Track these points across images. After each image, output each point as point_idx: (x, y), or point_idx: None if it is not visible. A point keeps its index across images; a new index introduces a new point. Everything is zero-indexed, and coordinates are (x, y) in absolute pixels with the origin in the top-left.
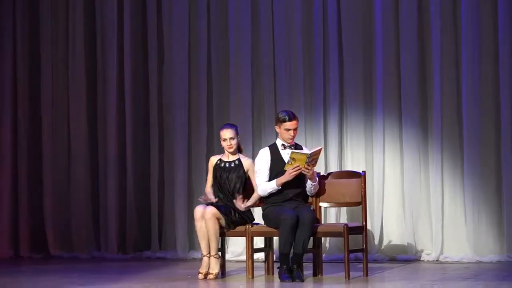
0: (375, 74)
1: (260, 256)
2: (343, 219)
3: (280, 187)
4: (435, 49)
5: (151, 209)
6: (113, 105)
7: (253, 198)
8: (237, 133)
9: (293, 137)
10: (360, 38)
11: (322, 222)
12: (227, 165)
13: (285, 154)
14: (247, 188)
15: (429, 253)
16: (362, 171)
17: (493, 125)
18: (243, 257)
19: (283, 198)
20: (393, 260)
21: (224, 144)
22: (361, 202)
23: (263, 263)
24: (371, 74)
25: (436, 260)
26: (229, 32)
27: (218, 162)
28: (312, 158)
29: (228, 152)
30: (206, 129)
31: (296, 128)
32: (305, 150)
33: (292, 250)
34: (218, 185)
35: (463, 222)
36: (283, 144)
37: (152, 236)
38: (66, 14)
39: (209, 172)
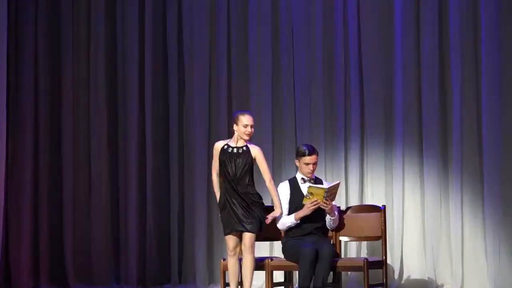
0: (395, 108)
1: None
2: (363, 253)
3: (299, 221)
4: (455, 81)
5: (171, 241)
6: (134, 136)
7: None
8: None
9: (313, 171)
10: (380, 72)
11: (342, 256)
12: (234, 150)
13: (305, 188)
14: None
15: None
16: (382, 205)
17: None
18: None
19: (303, 232)
20: None
21: (243, 129)
22: (381, 236)
23: None
24: (392, 108)
25: None
26: (249, 54)
27: (225, 147)
28: (331, 193)
29: (244, 138)
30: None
31: (316, 162)
32: (325, 185)
33: (311, 285)
34: (223, 173)
35: (483, 257)
36: (302, 178)
37: (172, 269)
38: (87, 20)
39: (214, 158)
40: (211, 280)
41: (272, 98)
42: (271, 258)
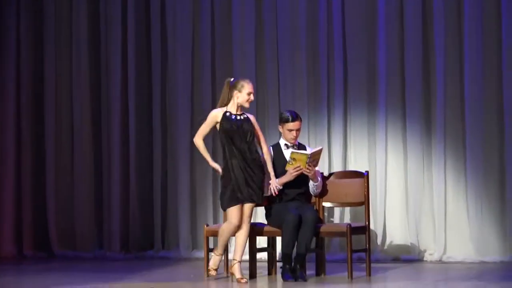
0: (379, 73)
1: (263, 256)
2: (347, 219)
3: (282, 187)
4: (439, 48)
5: (153, 208)
6: (116, 105)
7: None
8: None
9: (296, 137)
10: (363, 37)
11: (325, 222)
12: (238, 117)
13: (288, 154)
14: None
15: (432, 253)
16: (365, 171)
17: (496, 124)
18: (246, 257)
19: (286, 198)
20: (396, 260)
21: (247, 97)
22: (364, 202)
23: (266, 263)
24: (375, 73)
25: (439, 260)
26: (232, 35)
27: (228, 114)
28: (314, 159)
29: (246, 106)
30: (211, 132)
31: (299, 128)
32: (307, 150)
33: (295, 250)
34: (228, 141)
35: (466, 222)
36: (286, 144)
37: (155, 235)
38: (69, 17)
39: (207, 125)
40: (194, 245)
41: (255, 65)
42: (255, 224)
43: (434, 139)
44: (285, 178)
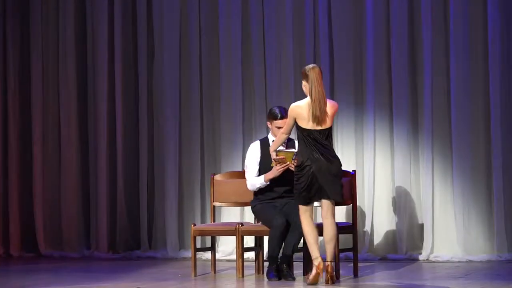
0: (366, 73)
1: (250, 255)
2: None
3: (268, 183)
4: (426, 48)
5: (140, 208)
6: (103, 105)
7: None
8: None
9: None
10: (350, 37)
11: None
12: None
13: (291, 150)
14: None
15: (419, 253)
16: (353, 170)
17: (483, 124)
18: (233, 256)
19: (273, 195)
20: (383, 259)
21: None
22: (352, 201)
23: (254, 262)
24: (362, 73)
25: (427, 260)
26: (219, 34)
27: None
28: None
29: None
30: (198, 123)
31: None
32: (296, 148)
33: (281, 252)
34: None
35: (453, 221)
36: (274, 140)
37: (142, 235)
38: (56, 17)
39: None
40: (181, 245)
41: (241, 66)
42: (242, 223)
43: (421, 139)
44: (271, 174)
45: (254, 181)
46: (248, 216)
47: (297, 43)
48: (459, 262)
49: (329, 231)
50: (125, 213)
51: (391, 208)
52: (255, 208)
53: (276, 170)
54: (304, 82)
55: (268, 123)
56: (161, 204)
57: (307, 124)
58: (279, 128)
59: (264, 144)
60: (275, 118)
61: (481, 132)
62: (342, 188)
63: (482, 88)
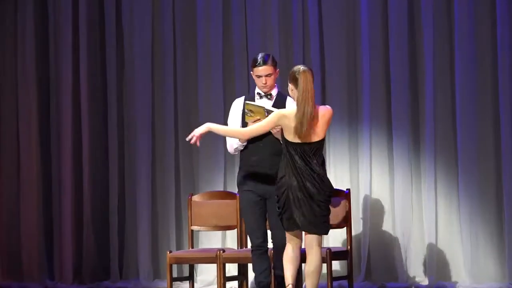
0: (362, 83)
1: (233, 285)
2: (326, 243)
3: (245, 143)
4: (428, 56)
5: (110, 233)
6: (68, 119)
7: None
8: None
9: (267, 85)
10: (344, 43)
11: (303, 247)
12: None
13: (261, 104)
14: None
15: (421, 280)
16: (347, 189)
17: (491, 138)
18: (214, 287)
19: (257, 162)
20: None
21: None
22: (346, 224)
23: None
24: (357, 83)
25: None
26: (197, 38)
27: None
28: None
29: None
30: (173, 137)
31: (270, 74)
32: (268, 105)
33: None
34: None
35: (459, 245)
36: (258, 93)
37: (112, 263)
38: (15, 13)
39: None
40: (156, 275)
41: (223, 72)
42: (223, 250)
43: (423, 155)
44: None
45: (232, 140)
46: (230, 241)
47: (283, 46)
48: None
49: (312, 262)
50: (92, 238)
51: (390, 231)
52: (240, 198)
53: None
54: (291, 86)
55: (252, 73)
56: (133, 228)
57: (294, 137)
58: (259, 77)
59: (249, 99)
60: (254, 64)
61: (490, 147)
62: (327, 216)
63: (491, 98)
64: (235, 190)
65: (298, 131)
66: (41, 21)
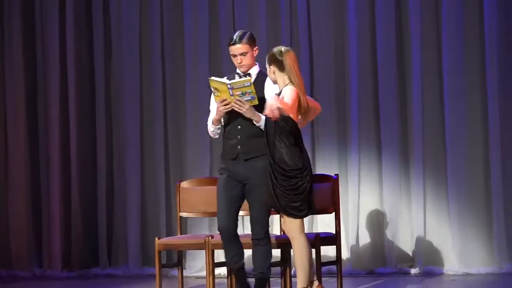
0: (350, 88)
1: (222, 271)
2: (315, 229)
3: (218, 125)
4: (415, 60)
5: (98, 219)
6: (55, 109)
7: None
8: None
9: (242, 64)
10: (331, 46)
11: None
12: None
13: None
14: None
15: (410, 265)
16: (335, 175)
17: (480, 128)
18: (203, 273)
19: (232, 147)
20: (370, 273)
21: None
22: (334, 209)
23: (226, 279)
24: (345, 86)
25: (419, 273)
26: (184, 29)
27: None
28: (240, 90)
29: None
30: (161, 125)
31: (245, 53)
32: (236, 79)
33: (240, 264)
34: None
35: (448, 230)
36: (237, 73)
37: (100, 250)
38: (1, 14)
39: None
40: (145, 261)
41: (209, 66)
42: (212, 236)
43: (410, 137)
44: (215, 115)
45: (209, 124)
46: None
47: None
48: (454, 275)
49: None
50: (81, 225)
51: (379, 216)
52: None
53: (217, 109)
54: (272, 68)
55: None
56: (122, 215)
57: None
58: (234, 56)
59: (229, 79)
60: (229, 43)
61: (478, 128)
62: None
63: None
64: None
65: (305, 113)
66: (29, 19)
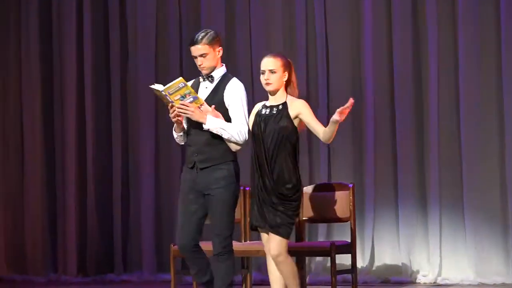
0: (366, 89)
1: (237, 278)
2: (330, 237)
3: (180, 133)
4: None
5: (114, 226)
6: (72, 109)
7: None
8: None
9: (202, 66)
10: (347, 43)
11: (307, 240)
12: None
13: (203, 88)
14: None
15: (425, 275)
16: (350, 183)
17: (496, 127)
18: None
19: (190, 156)
20: (385, 282)
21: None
22: (350, 218)
23: (241, 287)
24: (361, 89)
25: (434, 283)
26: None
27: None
28: (178, 94)
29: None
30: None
31: (205, 54)
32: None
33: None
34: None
35: (463, 239)
36: (201, 75)
37: (116, 256)
38: (18, 16)
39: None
40: (160, 267)
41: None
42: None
43: (426, 147)
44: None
45: (173, 131)
46: (234, 234)
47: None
48: (470, 285)
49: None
50: (96, 231)
51: (394, 225)
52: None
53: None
54: (285, 73)
55: None
56: (137, 221)
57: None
58: (195, 58)
59: (196, 82)
60: (189, 43)
61: (494, 141)
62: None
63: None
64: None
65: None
66: (45, 14)
